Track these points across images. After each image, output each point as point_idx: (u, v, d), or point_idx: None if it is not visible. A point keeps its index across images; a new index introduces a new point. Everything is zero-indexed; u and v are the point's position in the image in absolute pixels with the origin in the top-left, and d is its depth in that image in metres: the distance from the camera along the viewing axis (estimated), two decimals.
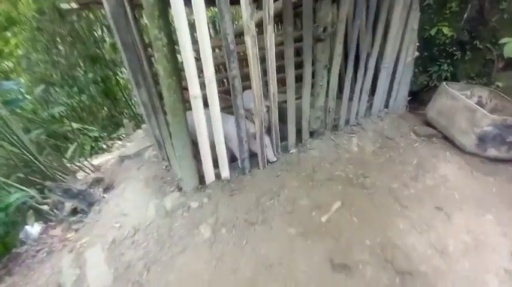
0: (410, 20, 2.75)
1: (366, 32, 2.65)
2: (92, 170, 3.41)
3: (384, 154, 2.44)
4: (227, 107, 2.38)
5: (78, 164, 3.48)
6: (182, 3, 1.61)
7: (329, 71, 2.48)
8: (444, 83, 2.71)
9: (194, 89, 1.83)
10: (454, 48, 3.27)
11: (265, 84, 2.22)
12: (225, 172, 2.26)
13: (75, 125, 4.81)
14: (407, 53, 2.92)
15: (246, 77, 2.14)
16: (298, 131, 2.61)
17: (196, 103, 1.89)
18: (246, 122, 2.15)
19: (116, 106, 7.42)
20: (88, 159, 3.89)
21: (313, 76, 2.45)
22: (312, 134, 2.68)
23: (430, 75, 3.55)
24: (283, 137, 2.53)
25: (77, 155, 4.02)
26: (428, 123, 2.88)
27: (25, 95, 4.65)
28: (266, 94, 2.24)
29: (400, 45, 2.83)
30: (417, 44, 2.95)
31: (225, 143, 2.16)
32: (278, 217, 1.83)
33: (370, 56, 2.68)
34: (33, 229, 2.46)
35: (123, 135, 5.36)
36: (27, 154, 2.83)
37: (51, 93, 6.09)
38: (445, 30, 3.21)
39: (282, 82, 2.43)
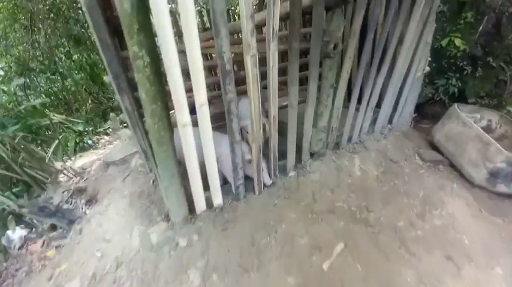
0: (425, 33, 2.51)
1: (376, 47, 2.40)
2: (74, 175, 3.17)
3: (388, 181, 2.30)
4: (220, 113, 2.11)
5: (60, 164, 3.23)
6: (168, 15, 1.29)
7: (335, 90, 2.26)
8: (455, 105, 2.53)
9: (183, 117, 1.58)
10: (465, 63, 3.06)
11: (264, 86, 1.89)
12: (218, 199, 2.07)
13: (57, 118, 4.46)
14: (417, 68, 2.71)
15: (242, 81, 1.86)
16: (298, 148, 2.40)
17: (186, 131, 1.65)
18: (241, 145, 1.94)
19: (104, 92, 7.00)
20: (72, 158, 3.63)
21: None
22: (312, 154, 2.49)
23: (437, 88, 3.35)
24: (281, 152, 2.27)
25: (59, 153, 3.74)
26: (433, 146, 2.74)
27: (2, 86, 4.25)
28: (265, 98, 1.93)
29: (411, 60, 2.62)
30: (429, 58, 2.73)
31: (217, 166, 1.95)
32: (275, 260, 1.67)
33: (379, 73, 2.46)
34: (15, 234, 2.30)
35: (110, 130, 5.04)
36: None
37: (32, 79, 5.63)
38: (457, 42, 3.00)
39: (282, 83, 2.12)
